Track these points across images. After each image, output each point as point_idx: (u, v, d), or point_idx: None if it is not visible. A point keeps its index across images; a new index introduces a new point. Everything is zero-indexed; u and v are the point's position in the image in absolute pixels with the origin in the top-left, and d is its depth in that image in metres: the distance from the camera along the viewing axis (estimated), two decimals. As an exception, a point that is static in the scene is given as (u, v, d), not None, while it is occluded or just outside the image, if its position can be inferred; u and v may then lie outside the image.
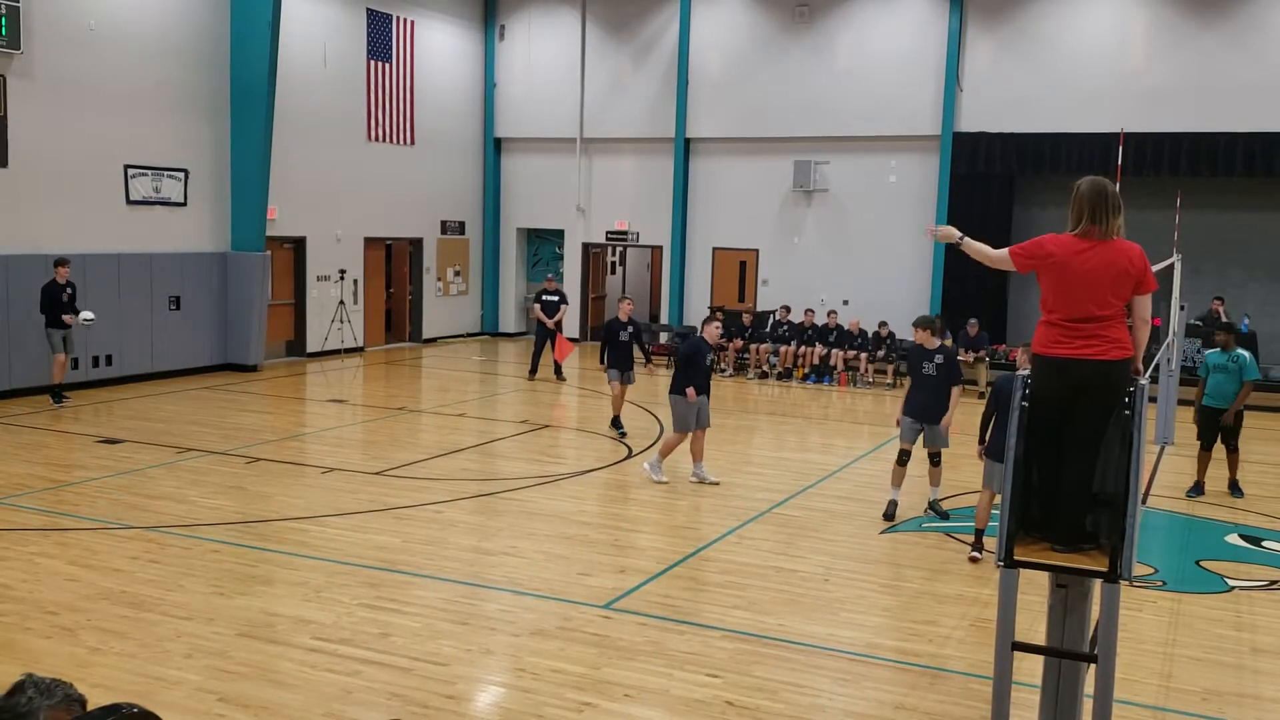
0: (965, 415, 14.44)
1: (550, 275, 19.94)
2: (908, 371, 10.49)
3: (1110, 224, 4.75)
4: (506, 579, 8.05)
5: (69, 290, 14.36)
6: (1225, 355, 11.40)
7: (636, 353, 14.16)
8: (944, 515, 10.13)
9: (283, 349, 20.02)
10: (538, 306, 18.68)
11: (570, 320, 24.43)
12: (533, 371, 18.49)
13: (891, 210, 21.17)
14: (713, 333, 11.42)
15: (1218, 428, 11.36)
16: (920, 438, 10.08)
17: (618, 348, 13.73)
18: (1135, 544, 4.43)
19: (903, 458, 10.17)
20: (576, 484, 11.17)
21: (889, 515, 10.02)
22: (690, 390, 10.89)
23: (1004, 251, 5.00)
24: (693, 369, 11.03)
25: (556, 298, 18.73)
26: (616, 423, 13.84)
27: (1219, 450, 11.45)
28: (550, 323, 18.32)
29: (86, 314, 14.39)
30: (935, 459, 10.20)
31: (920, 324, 10.24)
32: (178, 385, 16.59)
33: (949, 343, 11.38)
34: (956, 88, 20.28)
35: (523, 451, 12.84)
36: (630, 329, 13.98)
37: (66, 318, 14.10)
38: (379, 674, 6.27)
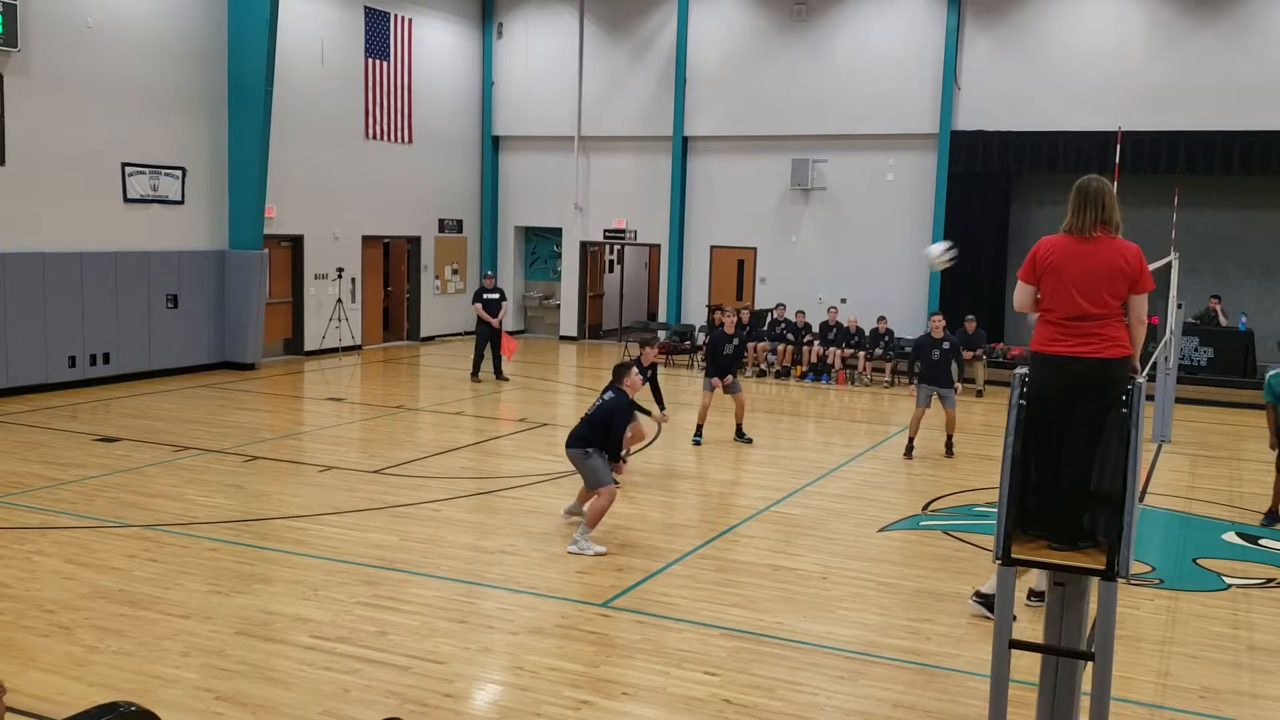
0: (965, 416, 14.49)
1: (488, 273, 19.39)
2: (916, 355, 12.72)
3: (1105, 222, 4.76)
4: (504, 577, 8.05)
5: (650, 371, 12.13)
6: None
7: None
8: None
9: (280, 347, 20.00)
10: (479, 306, 17.96)
11: (568, 319, 24.51)
12: (476, 372, 17.99)
13: (889, 208, 21.18)
14: (648, 359, 11.97)
15: None
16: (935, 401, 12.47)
17: (938, 367, 12.65)
18: (1133, 542, 4.44)
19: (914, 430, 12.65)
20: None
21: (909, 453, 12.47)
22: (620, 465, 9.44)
23: (1018, 290, 4.99)
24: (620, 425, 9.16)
25: (497, 295, 18.24)
26: (909, 449, 12.75)
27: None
28: (495, 321, 17.95)
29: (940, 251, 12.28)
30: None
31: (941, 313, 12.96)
32: (175, 383, 16.58)
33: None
34: (954, 86, 20.28)
35: (521, 450, 12.83)
36: (946, 345, 12.70)
37: None
38: (377, 672, 6.27)
